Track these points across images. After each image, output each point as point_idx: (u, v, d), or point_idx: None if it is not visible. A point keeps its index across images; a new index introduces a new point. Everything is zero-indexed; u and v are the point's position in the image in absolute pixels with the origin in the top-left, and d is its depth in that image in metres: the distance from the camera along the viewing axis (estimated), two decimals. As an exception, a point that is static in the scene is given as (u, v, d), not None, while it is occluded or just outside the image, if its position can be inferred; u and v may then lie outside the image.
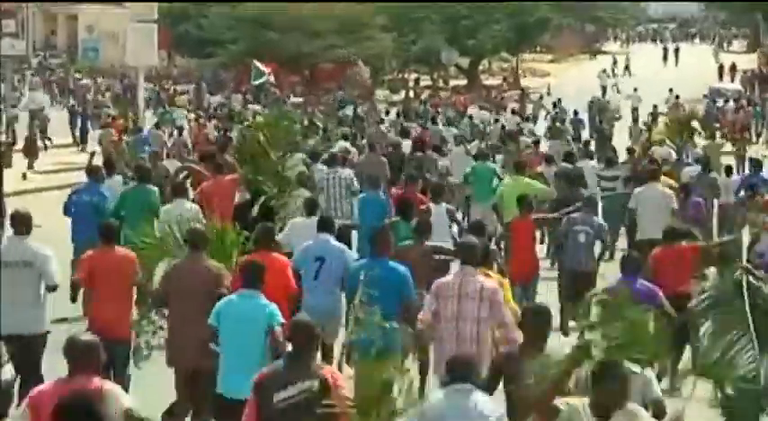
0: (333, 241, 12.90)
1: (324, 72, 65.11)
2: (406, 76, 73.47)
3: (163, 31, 55.40)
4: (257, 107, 42.51)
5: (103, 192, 16.57)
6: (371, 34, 65.06)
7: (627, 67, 76.50)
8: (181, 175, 19.00)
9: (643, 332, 7.35)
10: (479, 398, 8.22)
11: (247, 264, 10.50)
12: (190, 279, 11.03)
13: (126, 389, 10.59)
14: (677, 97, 46.50)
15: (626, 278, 12.23)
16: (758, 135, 47.06)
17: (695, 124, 31.66)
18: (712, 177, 22.29)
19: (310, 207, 14.71)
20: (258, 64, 47.03)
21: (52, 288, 11.49)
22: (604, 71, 67.64)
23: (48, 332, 11.61)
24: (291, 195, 15.81)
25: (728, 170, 23.92)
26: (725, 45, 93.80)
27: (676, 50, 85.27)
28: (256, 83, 47.69)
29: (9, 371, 10.67)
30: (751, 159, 24.59)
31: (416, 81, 70.87)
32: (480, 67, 75.91)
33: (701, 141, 32.40)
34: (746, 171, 28.94)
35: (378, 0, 65.73)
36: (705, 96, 53.46)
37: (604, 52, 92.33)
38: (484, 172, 21.68)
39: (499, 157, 25.54)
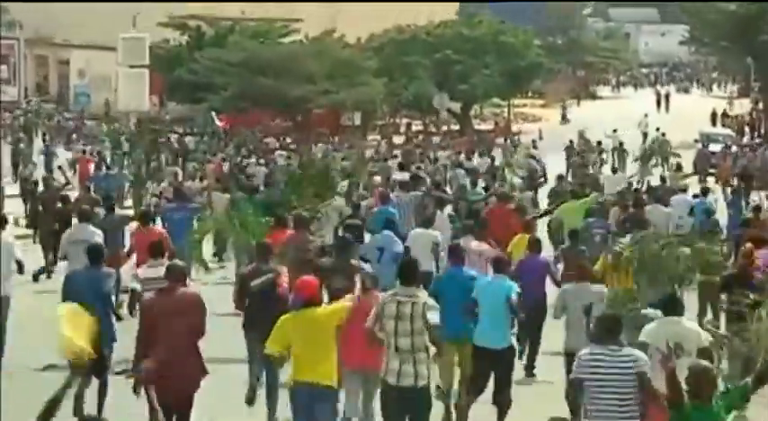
0: (390, 235, 18.27)
1: (317, 117, 65.27)
2: (397, 120, 73.56)
3: (155, 76, 55.48)
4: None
5: (191, 208, 22.51)
6: (363, 79, 65.12)
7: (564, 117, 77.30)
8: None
9: None
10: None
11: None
12: (304, 245, 16.89)
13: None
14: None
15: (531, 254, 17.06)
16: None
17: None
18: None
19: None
20: (214, 116, 59.46)
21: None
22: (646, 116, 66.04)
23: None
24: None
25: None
26: (715, 89, 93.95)
27: (667, 96, 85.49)
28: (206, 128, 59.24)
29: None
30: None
31: (408, 126, 70.91)
32: (472, 112, 75.98)
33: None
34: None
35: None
36: (696, 141, 53.56)
37: (598, 97, 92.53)
38: None
39: None
